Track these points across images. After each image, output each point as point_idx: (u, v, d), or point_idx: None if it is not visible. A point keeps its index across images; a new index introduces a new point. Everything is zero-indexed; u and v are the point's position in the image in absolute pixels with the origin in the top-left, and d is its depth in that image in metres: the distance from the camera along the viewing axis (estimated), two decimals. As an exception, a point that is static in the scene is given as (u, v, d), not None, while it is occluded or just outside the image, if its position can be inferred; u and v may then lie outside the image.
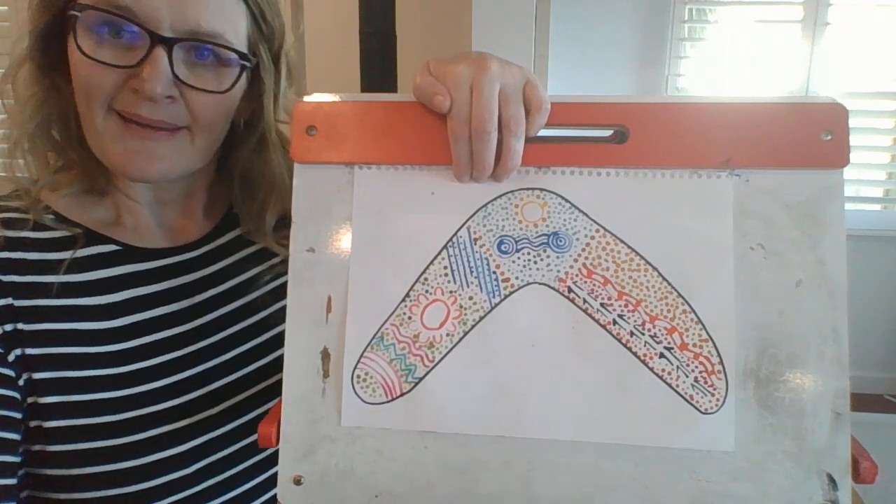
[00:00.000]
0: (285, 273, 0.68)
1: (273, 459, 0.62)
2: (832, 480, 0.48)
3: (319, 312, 0.50)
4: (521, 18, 2.02)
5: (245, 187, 0.69)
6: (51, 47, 0.59)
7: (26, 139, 0.61)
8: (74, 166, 0.63)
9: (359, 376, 0.49)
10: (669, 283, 0.49)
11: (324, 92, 0.51)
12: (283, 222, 0.68)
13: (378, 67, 1.68)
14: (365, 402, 0.49)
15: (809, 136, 0.49)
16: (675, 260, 0.49)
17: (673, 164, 0.49)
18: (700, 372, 0.48)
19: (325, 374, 0.50)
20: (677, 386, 0.48)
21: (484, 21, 2.00)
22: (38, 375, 0.57)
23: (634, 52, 2.54)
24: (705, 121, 0.49)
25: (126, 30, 0.55)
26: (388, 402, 0.49)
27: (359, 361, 0.50)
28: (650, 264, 0.49)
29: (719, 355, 0.48)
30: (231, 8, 0.59)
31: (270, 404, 0.65)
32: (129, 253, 0.64)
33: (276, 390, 0.65)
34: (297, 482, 0.49)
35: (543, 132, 0.50)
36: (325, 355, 0.50)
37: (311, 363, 0.50)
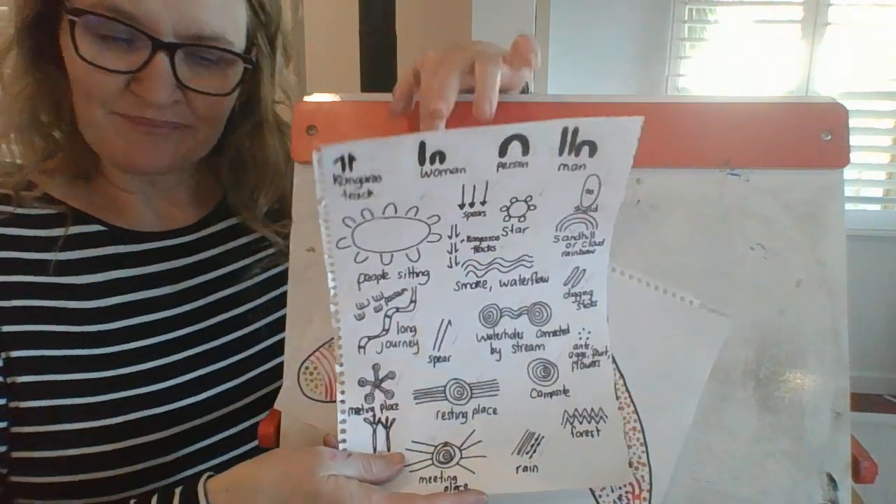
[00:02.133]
0: (274, 265, 0.68)
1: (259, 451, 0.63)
2: (832, 480, 0.48)
3: (319, 312, 0.50)
4: (521, 19, 2.02)
5: (237, 170, 0.67)
6: (40, 37, 0.57)
7: (14, 130, 0.60)
8: (61, 151, 0.62)
9: (307, 368, 0.50)
10: (629, 395, 0.49)
11: (324, 92, 0.51)
12: (278, 209, 0.68)
13: (378, 67, 1.68)
14: (306, 395, 0.50)
15: (809, 136, 0.49)
16: (645, 374, 0.49)
17: (673, 163, 0.49)
18: (626, 492, 0.48)
19: (325, 374, 0.50)
20: (599, 496, 0.48)
21: (484, 21, 2.00)
22: (14, 354, 0.56)
23: (634, 52, 2.54)
24: (705, 121, 0.49)
25: (126, 33, 0.53)
26: (327, 402, 0.49)
27: (311, 355, 0.50)
28: (618, 368, 0.49)
29: (650, 483, 0.48)
30: (231, 4, 0.58)
31: (252, 396, 0.66)
32: (116, 234, 0.63)
33: (257, 382, 0.66)
34: (297, 482, 0.49)
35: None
36: (325, 355, 0.50)
37: (311, 363, 0.50)
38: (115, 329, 0.60)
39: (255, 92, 0.64)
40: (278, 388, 0.65)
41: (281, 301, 0.65)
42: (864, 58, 2.49)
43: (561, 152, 0.45)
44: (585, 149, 0.45)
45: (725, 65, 2.55)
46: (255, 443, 0.62)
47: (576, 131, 0.45)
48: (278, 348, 0.64)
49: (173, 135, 0.58)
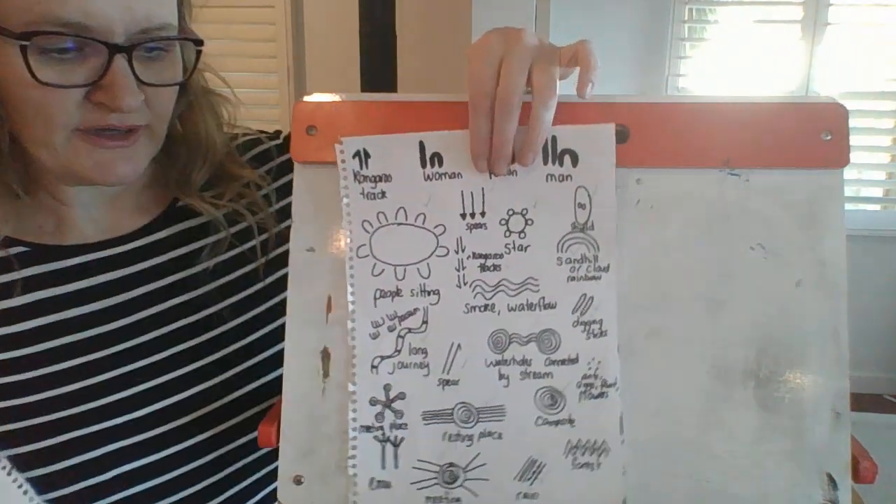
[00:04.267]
0: (233, 269, 0.64)
1: (205, 476, 0.61)
2: (832, 480, 0.48)
3: (319, 312, 0.50)
4: (521, 19, 2.02)
5: (167, 148, 0.62)
6: None
7: None
8: None
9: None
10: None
11: (324, 92, 0.51)
12: (213, 182, 0.65)
13: (378, 67, 1.68)
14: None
15: (809, 136, 0.49)
16: None
17: (673, 163, 0.49)
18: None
19: (325, 374, 0.50)
20: None
21: (484, 21, 2.00)
22: None
23: (635, 52, 2.54)
24: (705, 121, 0.49)
25: (74, 45, 0.50)
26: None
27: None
28: None
29: None
30: None
31: (203, 410, 0.62)
32: (40, 253, 0.59)
33: (210, 394, 0.62)
34: (298, 482, 0.49)
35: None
36: (326, 355, 0.50)
37: (311, 363, 0.50)
38: (44, 351, 0.57)
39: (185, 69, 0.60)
40: (254, 392, 0.64)
41: (245, 304, 0.65)
42: (864, 58, 2.49)
43: (546, 161, 0.48)
44: (567, 158, 0.48)
45: (725, 65, 2.55)
46: (221, 452, 0.62)
47: (554, 139, 0.48)
48: (253, 347, 0.64)
49: (137, 142, 0.56)
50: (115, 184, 0.57)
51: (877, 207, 2.71)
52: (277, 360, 0.55)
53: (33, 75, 0.49)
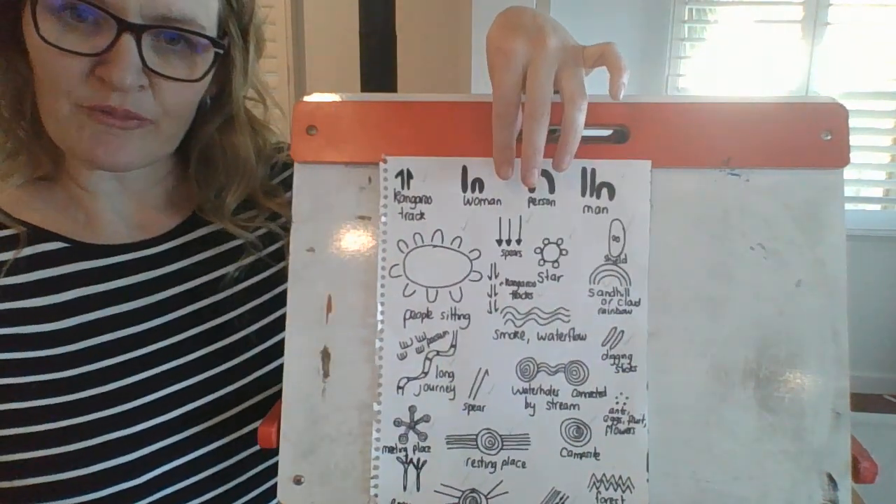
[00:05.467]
0: (256, 273, 0.66)
1: (232, 478, 0.62)
2: (832, 480, 0.48)
3: (319, 312, 0.50)
4: (521, 18, 2.01)
5: (205, 166, 0.65)
6: (2, 27, 0.54)
7: None
8: (23, 150, 0.58)
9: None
10: None
11: (324, 92, 0.51)
12: (246, 205, 0.66)
13: (378, 67, 1.68)
14: None
15: (809, 136, 0.49)
16: None
17: (673, 163, 0.49)
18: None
19: (326, 374, 0.50)
20: None
21: (484, 21, 1.99)
22: None
23: (634, 51, 2.54)
24: (705, 121, 0.49)
25: (90, 14, 0.51)
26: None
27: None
28: None
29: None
30: None
31: (233, 410, 0.62)
32: (78, 250, 0.59)
33: (241, 395, 0.63)
34: (297, 482, 0.49)
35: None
36: (325, 355, 0.50)
37: (311, 363, 0.50)
38: (82, 349, 0.57)
39: (227, 84, 0.62)
40: (270, 397, 0.64)
41: (266, 307, 0.66)
42: (864, 58, 2.48)
43: (584, 193, 0.49)
44: (605, 191, 0.49)
45: (725, 65, 2.54)
46: (246, 453, 0.63)
47: (593, 172, 0.49)
48: (270, 354, 0.65)
49: (137, 131, 0.55)
50: (108, 167, 0.56)
51: (877, 207, 2.71)
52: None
53: (37, 29, 0.50)
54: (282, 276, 0.64)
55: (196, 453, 0.60)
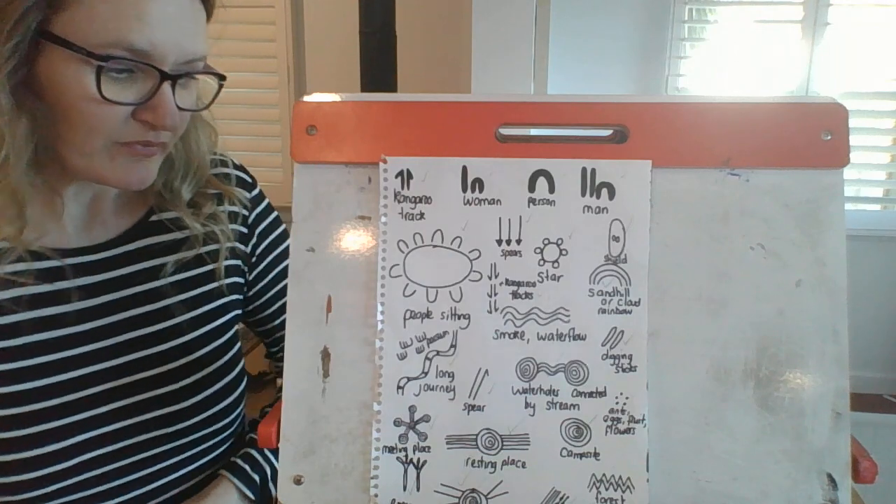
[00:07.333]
0: (193, 268, 0.72)
1: (155, 463, 0.69)
2: (832, 480, 0.48)
3: (319, 312, 0.50)
4: (521, 18, 2.02)
5: (165, 162, 0.68)
6: (17, 73, 0.57)
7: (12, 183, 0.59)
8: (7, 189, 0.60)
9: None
10: None
11: (324, 92, 0.51)
12: (198, 199, 0.72)
13: (378, 67, 1.68)
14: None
15: (809, 136, 0.49)
16: None
17: (673, 163, 0.49)
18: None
19: (325, 374, 0.50)
20: None
21: (484, 21, 2.00)
22: None
23: (634, 51, 2.54)
24: (705, 121, 0.49)
25: (132, 68, 0.57)
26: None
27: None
28: None
29: None
30: (201, 20, 0.62)
31: (166, 409, 0.69)
32: (26, 252, 0.63)
33: (172, 396, 0.69)
34: (297, 482, 0.49)
35: (544, 132, 0.50)
36: (325, 355, 0.50)
37: (311, 363, 0.50)
38: (18, 345, 0.62)
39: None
40: (195, 380, 0.71)
41: (199, 300, 0.72)
42: (864, 58, 2.48)
43: (584, 193, 0.49)
44: (605, 191, 0.49)
45: (725, 65, 2.54)
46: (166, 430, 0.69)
47: (593, 172, 0.49)
48: (200, 342, 0.71)
49: (156, 155, 0.63)
50: (130, 188, 0.64)
51: (877, 207, 2.71)
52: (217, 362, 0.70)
53: (101, 92, 0.56)
54: (213, 275, 0.73)
55: (116, 425, 0.66)
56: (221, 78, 0.65)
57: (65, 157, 0.60)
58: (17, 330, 0.62)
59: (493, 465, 0.49)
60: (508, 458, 0.49)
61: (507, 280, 0.49)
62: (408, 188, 0.49)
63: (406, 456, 0.49)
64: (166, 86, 0.58)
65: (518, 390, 0.49)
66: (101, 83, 0.56)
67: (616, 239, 0.49)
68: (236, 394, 0.76)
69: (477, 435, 0.49)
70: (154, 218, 0.71)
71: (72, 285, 0.65)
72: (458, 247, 0.49)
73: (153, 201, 0.71)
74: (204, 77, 0.64)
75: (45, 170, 0.62)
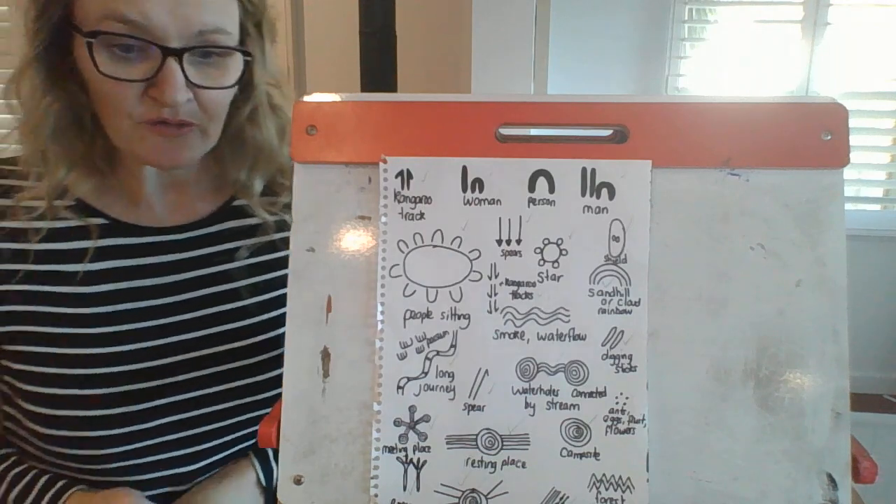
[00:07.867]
0: (265, 253, 0.75)
1: (218, 437, 0.72)
2: (832, 480, 0.48)
3: (319, 312, 0.50)
4: (521, 18, 2.02)
5: (235, 151, 0.72)
6: (55, 58, 0.62)
7: (43, 146, 0.65)
8: (84, 158, 0.67)
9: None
10: None
11: (324, 92, 0.51)
12: (270, 189, 0.75)
13: (378, 67, 1.68)
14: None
15: (809, 136, 0.49)
16: None
17: (673, 163, 0.49)
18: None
19: (325, 374, 0.50)
20: None
21: (484, 21, 2.00)
22: (10, 329, 0.66)
23: (634, 51, 2.54)
24: (705, 120, 0.49)
25: (137, 47, 0.59)
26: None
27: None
28: None
29: None
30: (225, 2, 0.63)
31: (231, 383, 0.72)
32: (118, 227, 0.69)
33: (238, 373, 0.72)
34: (298, 482, 0.49)
35: (544, 132, 0.50)
36: (325, 355, 0.50)
37: (311, 363, 0.50)
38: (107, 312, 0.67)
39: (250, 78, 0.68)
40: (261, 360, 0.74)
41: (269, 284, 0.75)
42: (864, 58, 2.48)
43: (584, 193, 0.49)
44: (605, 191, 0.49)
45: (725, 65, 2.54)
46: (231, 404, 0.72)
47: (593, 172, 0.49)
48: (266, 326, 0.74)
49: (189, 135, 0.64)
50: (168, 167, 0.67)
51: (877, 207, 2.71)
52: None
53: (96, 66, 0.58)
54: (284, 262, 0.71)
55: (187, 395, 0.70)
56: (245, 54, 0.65)
57: (111, 138, 0.64)
58: (109, 298, 0.67)
59: (493, 465, 0.49)
60: (508, 458, 0.49)
61: (507, 280, 0.49)
62: (408, 188, 0.49)
63: (406, 456, 0.49)
64: (171, 61, 0.59)
65: (518, 390, 0.49)
66: (100, 59, 0.58)
67: (616, 239, 0.49)
68: None
69: (477, 435, 0.49)
70: (236, 203, 0.75)
71: (157, 261, 0.70)
72: (458, 247, 0.49)
73: (235, 188, 0.74)
74: (229, 54, 0.64)
75: (116, 153, 0.67)
